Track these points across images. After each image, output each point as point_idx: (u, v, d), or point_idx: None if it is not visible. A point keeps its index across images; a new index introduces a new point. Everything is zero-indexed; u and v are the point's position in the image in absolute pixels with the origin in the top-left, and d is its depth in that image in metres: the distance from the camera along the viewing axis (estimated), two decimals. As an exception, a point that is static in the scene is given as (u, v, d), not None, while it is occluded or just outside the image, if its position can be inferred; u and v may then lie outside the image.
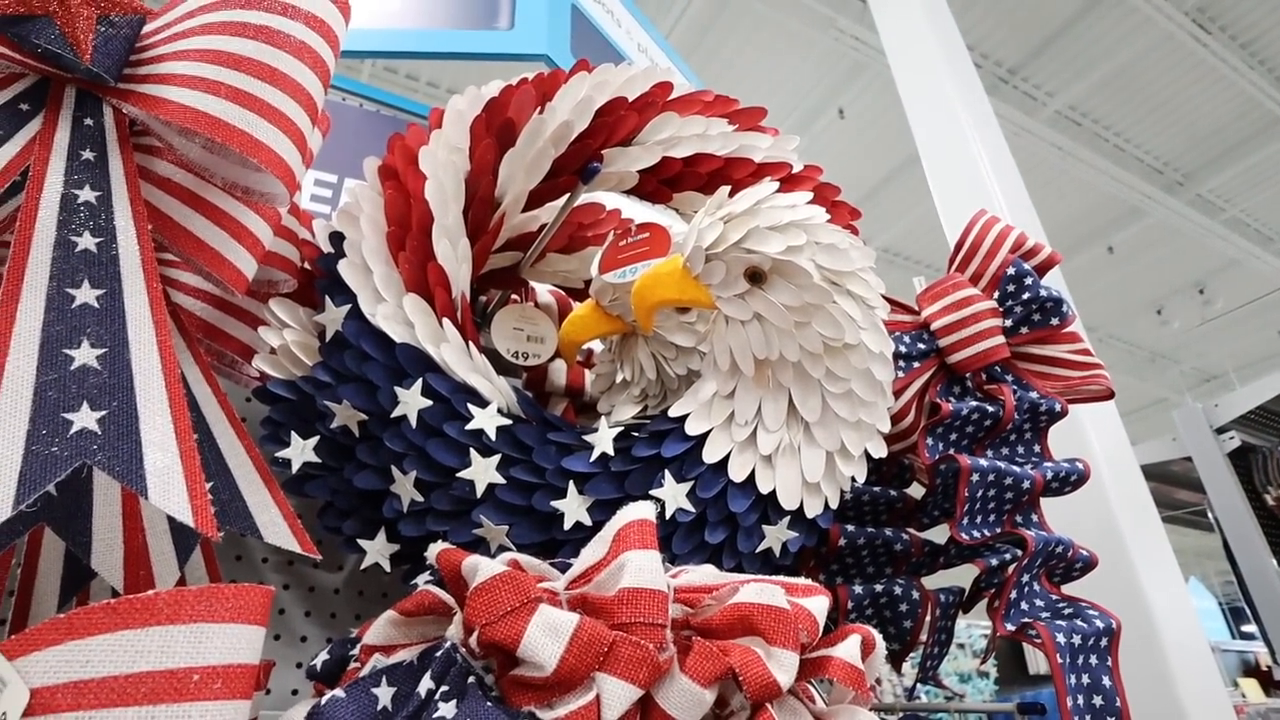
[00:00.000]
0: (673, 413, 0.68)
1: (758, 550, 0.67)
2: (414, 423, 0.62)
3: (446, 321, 0.67)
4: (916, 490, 0.92)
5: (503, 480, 0.62)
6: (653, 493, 0.63)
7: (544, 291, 0.99)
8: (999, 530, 0.80)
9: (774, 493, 0.66)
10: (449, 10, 1.52)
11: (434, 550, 0.49)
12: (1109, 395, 0.93)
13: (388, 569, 0.67)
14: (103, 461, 0.40)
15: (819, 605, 0.47)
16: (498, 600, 0.42)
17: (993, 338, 0.88)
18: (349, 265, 0.68)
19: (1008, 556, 0.86)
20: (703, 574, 0.51)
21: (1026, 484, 0.80)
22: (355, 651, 0.48)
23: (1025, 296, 0.89)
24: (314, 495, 0.69)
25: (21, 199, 0.47)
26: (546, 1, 1.55)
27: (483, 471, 0.62)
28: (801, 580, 0.50)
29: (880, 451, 0.71)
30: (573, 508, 0.62)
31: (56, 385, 0.41)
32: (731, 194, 0.69)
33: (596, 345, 0.97)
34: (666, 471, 0.65)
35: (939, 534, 0.86)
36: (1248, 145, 5.49)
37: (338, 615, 0.80)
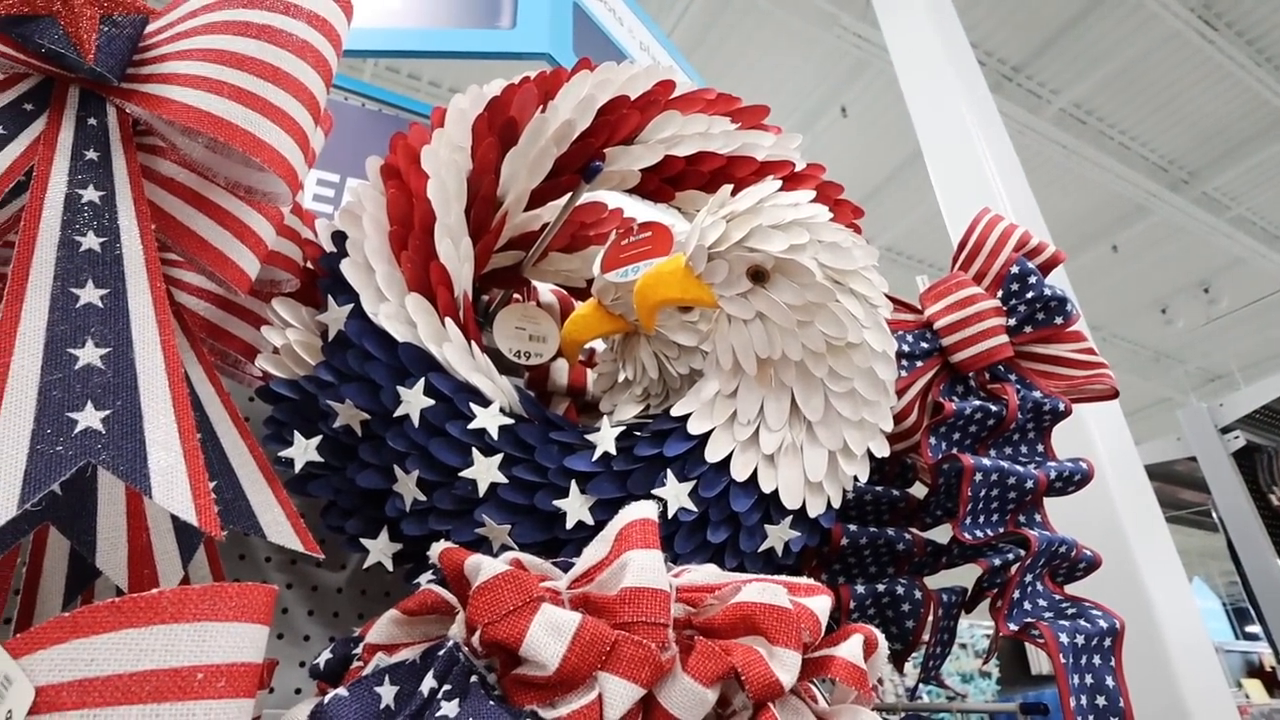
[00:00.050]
0: (675, 412, 0.68)
1: (760, 550, 0.67)
2: (416, 422, 0.63)
3: (449, 321, 0.67)
4: (919, 490, 0.91)
5: (505, 479, 0.62)
6: (655, 492, 0.63)
7: (546, 291, 0.99)
8: (1002, 530, 0.80)
9: (776, 492, 0.66)
10: (451, 9, 1.52)
11: (436, 549, 0.49)
12: (1113, 395, 0.93)
13: (390, 568, 0.67)
14: (107, 461, 0.40)
15: (821, 605, 0.47)
16: (500, 599, 0.42)
17: (996, 337, 0.87)
18: (351, 264, 0.68)
19: (1011, 556, 0.86)
20: (705, 573, 0.51)
21: (1030, 484, 0.80)
22: (358, 650, 0.49)
23: (1029, 295, 0.88)
24: (317, 494, 0.69)
25: (26, 199, 0.47)
26: (548, 0, 1.55)
27: (485, 471, 0.62)
28: (804, 580, 0.50)
29: (883, 451, 0.71)
30: (575, 507, 0.62)
31: (61, 385, 0.42)
32: (734, 193, 0.69)
33: (599, 344, 0.97)
34: (669, 471, 0.65)
35: (942, 534, 0.86)
36: (1254, 143, 5.47)
37: (340, 614, 0.80)
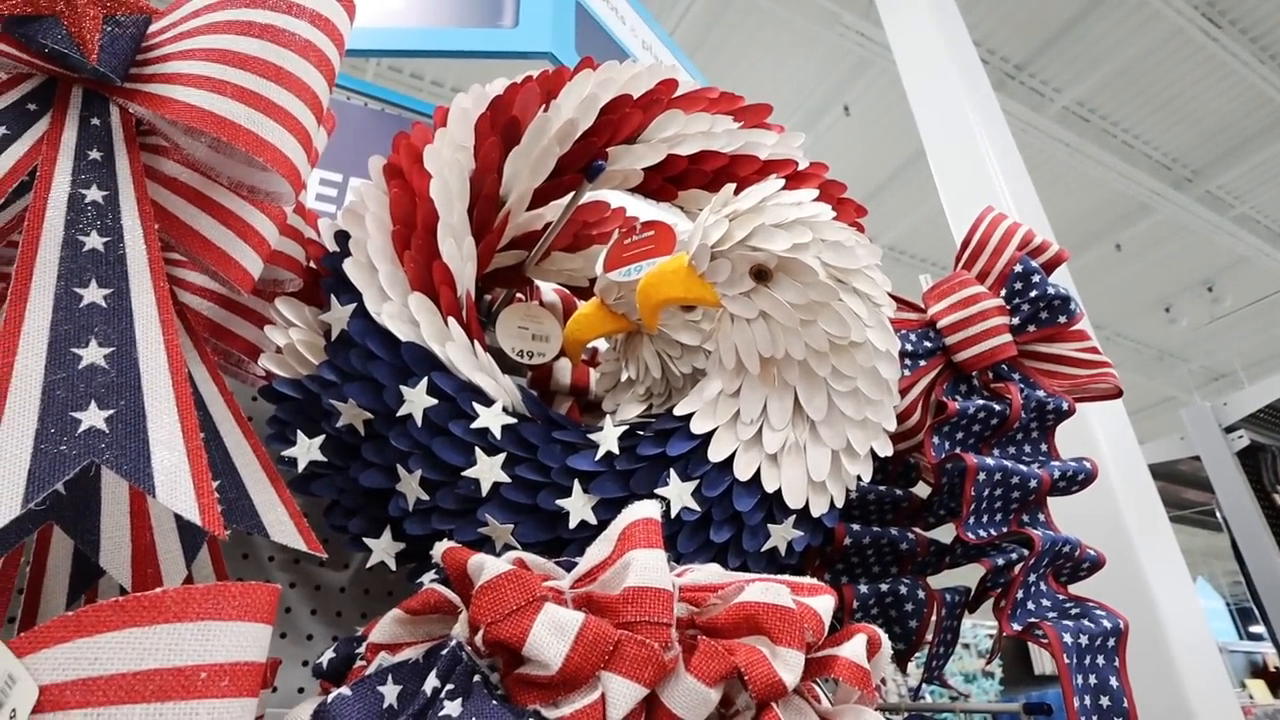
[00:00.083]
0: (678, 411, 0.68)
1: (763, 549, 0.67)
2: (419, 421, 0.63)
3: (452, 320, 0.67)
4: (922, 489, 0.91)
5: (508, 479, 0.62)
6: (658, 491, 0.63)
7: (549, 290, 0.99)
8: (1005, 530, 0.80)
9: (779, 491, 0.66)
10: (453, 9, 1.52)
11: (439, 549, 0.49)
12: (1117, 394, 0.93)
13: (393, 567, 0.67)
14: (110, 460, 0.40)
15: (824, 604, 0.47)
16: (503, 599, 0.42)
17: (999, 336, 0.87)
18: (354, 264, 0.68)
19: (1014, 556, 0.86)
20: (708, 573, 0.51)
21: (1033, 483, 0.80)
22: (361, 650, 0.49)
23: (1032, 294, 0.88)
24: (320, 494, 0.69)
25: (30, 199, 0.47)
26: (551, -1, 1.55)
27: (488, 470, 0.62)
28: (807, 579, 0.50)
29: (886, 450, 0.71)
30: (578, 506, 0.62)
31: (65, 384, 0.42)
32: (737, 191, 0.69)
33: (601, 344, 0.96)
34: (672, 470, 0.64)
35: (945, 533, 0.85)
36: (1258, 141, 5.46)
37: (343, 613, 0.81)
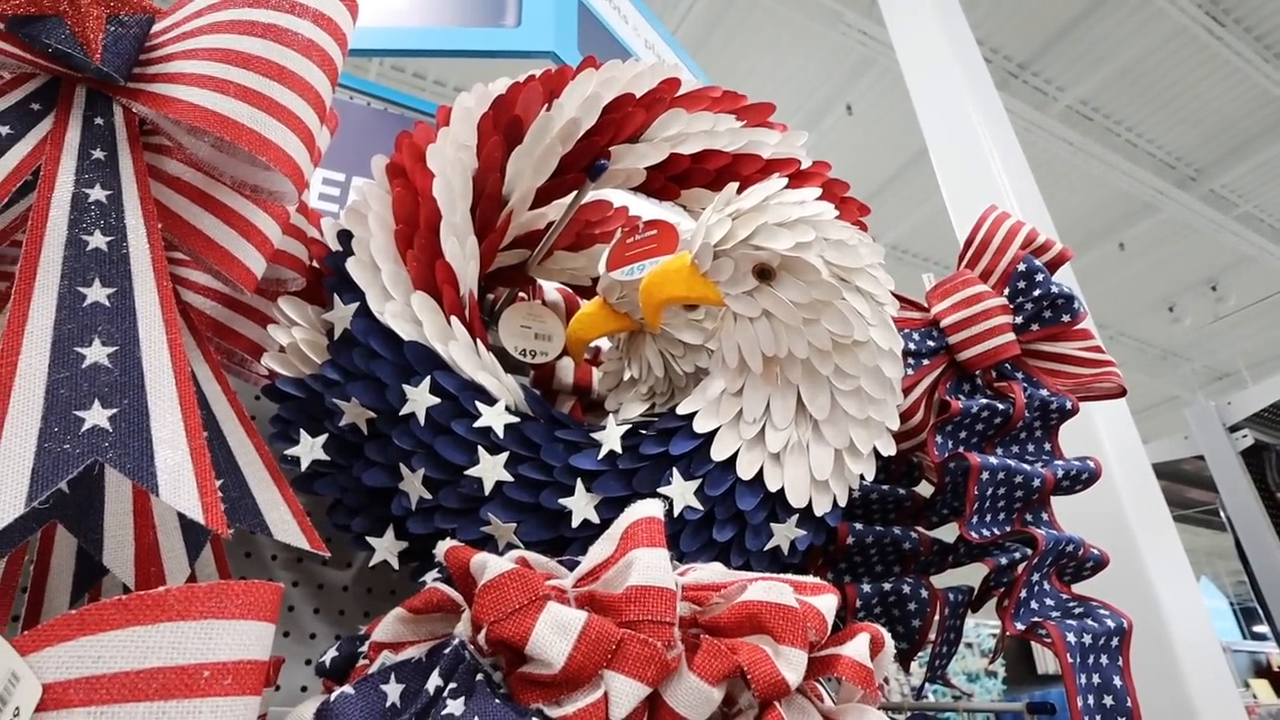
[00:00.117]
0: (681, 410, 0.67)
1: (766, 548, 0.67)
2: (422, 420, 0.63)
3: (454, 319, 0.67)
4: (925, 488, 0.91)
5: (511, 478, 0.62)
6: (660, 490, 0.63)
7: (551, 289, 0.99)
8: (1009, 529, 0.80)
9: (782, 490, 0.66)
10: (456, 8, 1.52)
11: (442, 548, 0.49)
12: (1120, 393, 0.93)
13: (396, 566, 0.67)
14: (114, 459, 0.40)
15: (827, 604, 0.47)
16: (506, 598, 0.42)
17: (1003, 335, 0.87)
18: (357, 263, 0.68)
19: (1017, 555, 0.86)
20: (711, 572, 0.51)
21: (1037, 482, 0.79)
22: (364, 648, 0.49)
23: (1036, 293, 0.88)
24: (323, 493, 0.69)
25: (33, 198, 0.48)
26: (554, -2, 1.55)
27: (491, 469, 0.62)
28: (810, 578, 0.50)
29: (889, 449, 0.71)
30: (580, 505, 0.62)
31: (68, 383, 0.42)
32: (740, 190, 0.69)
33: (604, 343, 0.96)
34: (674, 469, 0.64)
35: (948, 532, 0.85)
36: (1262, 140, 5.44)
37: (346, 612, 0.81)
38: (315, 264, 0.75)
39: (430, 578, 0.53)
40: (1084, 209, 5.89)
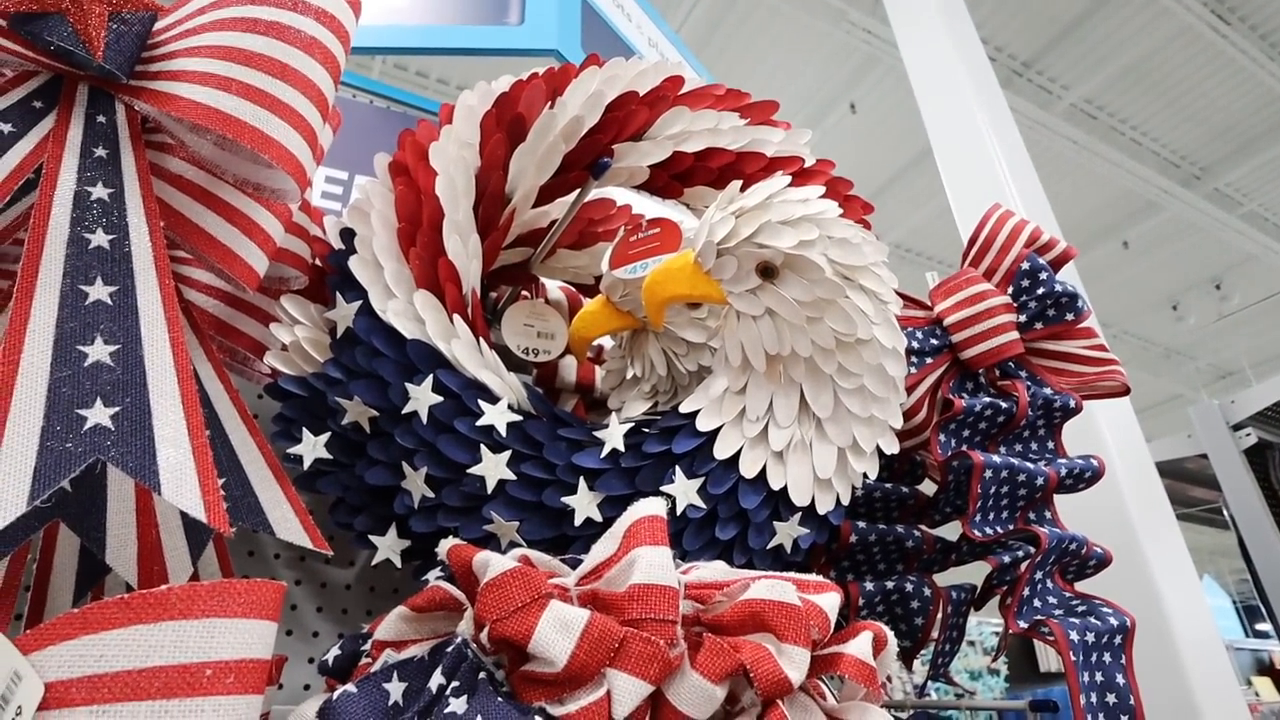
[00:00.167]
0: (684, 409, 0.67)
1: (769, 547, 0.67)
2: (425, 419, 0.63)
3: (457, 318, 0.67)
4: (928, 487, 0.91)
5: (513, 476, 0.62)
6: (663, 489, 0.63)
7: (554, 287, 0.99)
8: (1012, 527, 0.80)
9: (785, 489, 0.66)
10: (459, 6, 1.52)
11: (445, 546, 0.49)
12: (1124, 391, 0.93)
13: (399, 565, 0.67)
14: (116, 457, 0.40)
15: (830, 602, 0.47)
16: (508, 596, 0.42)
17: (1006, 333, 0.87)
18: (360, 261, 0.68)
19: (1020, 553, 0.86)
20: (713, 570, 0.51)
21: (1040, 480, 0.79)
22: (367, 647, 0.49)
23: (1040, 292, 0.88)
24: (325, 491, 0.69)
25: (35, 196, 0.47)
26: (557, -4, 1.55)
27: (493, 467, 0.62)
28: (813, 577, 0.50)
29: (892, 448, 0.71)
30: (583, 504, 0.62)
31: (70, 381, 0.42)
32: (743, 189, 0.69)
33: (607, 341, 0.96)
34: (677, 467, 0.64)
35: (951, 531, 0.85)
36: (1267, 138, 5.42)
37: (349, 611, 0.81)
38: (318, 262, 0.75)
39: (433, 576, 0.53)
40: (1088, 207, 5.88)
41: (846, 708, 0.47)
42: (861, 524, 0.79)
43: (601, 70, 0.77)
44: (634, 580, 0.43)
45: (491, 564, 0.44)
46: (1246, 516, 2.68)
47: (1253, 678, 3.94)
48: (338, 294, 0.68)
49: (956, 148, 2.78)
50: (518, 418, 0.64)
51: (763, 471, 0.65)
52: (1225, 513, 2.80)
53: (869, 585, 0.78)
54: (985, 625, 3.74)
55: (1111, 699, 0.69)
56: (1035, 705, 0.72)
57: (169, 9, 0.57)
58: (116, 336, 0.45)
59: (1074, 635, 0.69)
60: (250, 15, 0.54)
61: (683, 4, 4.52)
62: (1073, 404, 0.86)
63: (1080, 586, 0.83)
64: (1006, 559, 0.85)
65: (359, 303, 0.67)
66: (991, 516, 0.79)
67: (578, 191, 0.82)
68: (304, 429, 0.65)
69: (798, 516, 0.67)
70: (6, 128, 0.49)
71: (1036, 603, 0.77)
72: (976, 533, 0.76)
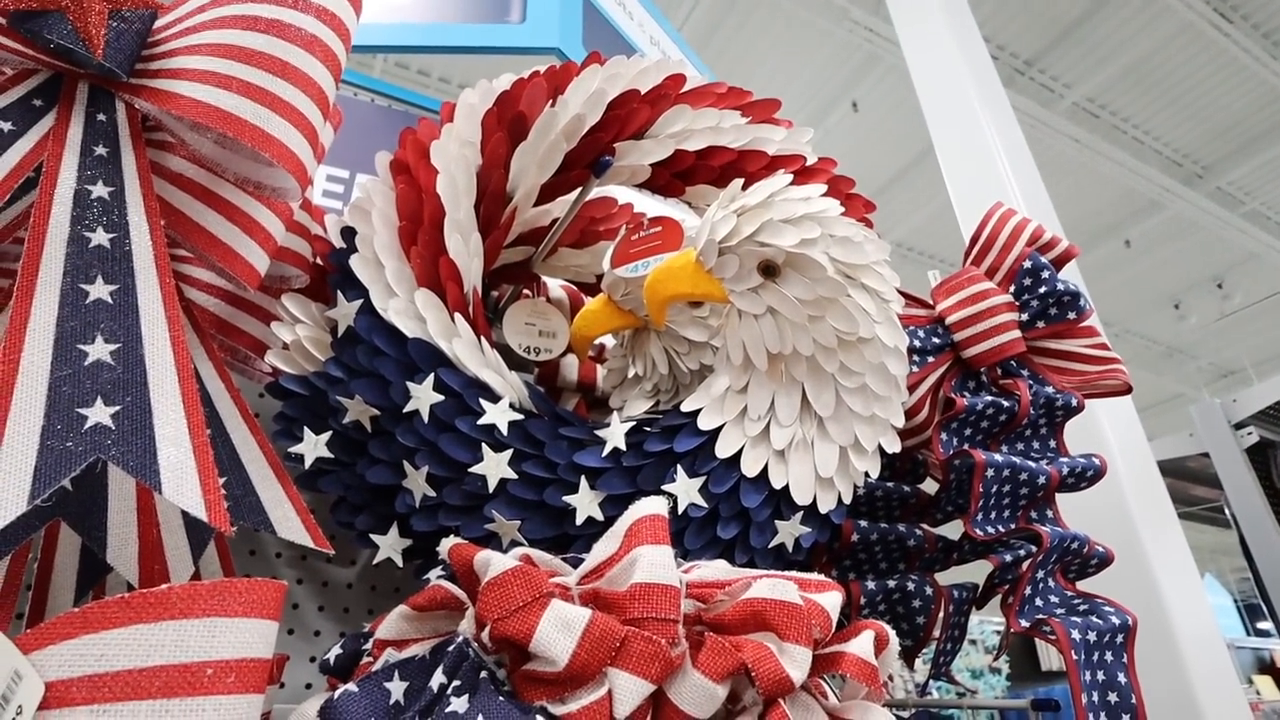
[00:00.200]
0: (685, 407, 0.67)
1: (770, 545, 0.67)
2: (426, 418, 0.63)
3: (458, 316, 0.67)
4: (930, 486, 0.91)
5: (515, 475, 0.62)
6: (665, 488, 0.63)
7: (556, 286, 0.99)
8: (1014, 526, 0.80)
9: (787, 488, 0.65)
10: (460, 4, 1.52)
11: (446, 545, 0.49)
12: (1126, 390, 0.92)
13: (400, 564, 0.67)
14: (117, 456, 0.40)
15: (832, 601, 0.47)
16: (510, 595, 0.42)
17: (1008, 332, 0.87)
18: (361, 260, 0.68)
19: (1022, 552, 0.85)
20: (715, 569, 0.51)
21: (1042, 479, 0.79)
22: (368, 646, 0.49)
23: (1042, 290, 0.88)
24: (327, 490, 0.69)
25: (35, 195, 0.47)
26: (558, -5, 1.54)
27: (495, 466, 0.62)
28: (814, 576, 0.50)
29: (894, 446, 0.71)
30: (585, 503, 0.62)
31: (71, 380, 0.42)
32: (745, 187, 0.69)
33: (609, 340, 0.96)
34: (679, 466, 0.64)
35: (953, 529, 0.85)
36: (1269, 137, 5.42)
37: (350, 610, 0.81)
38: (319, 261, 0.74)
39: (434, 575, 0.53)
40: (1090, 206, 5.87)
41: (848, 707, 0.47)
42: (863, 523, 0.79)
43: (603, 68, 0.77)
44: (635, 579, 0.43)
45: (493, 563, 0.44)
46: (1248, 515, 2.68)
47: (1254, 676, 3.94)
48: (339, 293, 0.68)
49: (958, 146, 2.78)
50: (519, 416, 0.64)
51: (764, 470, 0.65)
52: (1227, 511, 2.80)
53: (870, 584, 0.78)
54: (987, 624, 3.74)
55: (1113, 697, 0.69)
56: (1037, 704, 0.72)
57: (169, 7, 0.57)
58: (117, 335, 0.44)
59: (1075, 634, 0.69)
60: (251, 13, 0.54)
61: (684, 2, 4.52)
62: (1075, 403, 0.86)
63: (1082, 585, 0.83)
64: (1008, 558, 0.85)
65: (360, 301, 0.67)
66: (993, 515, 0.79)
67: (579, 190, 0.82)
68: (305, 428, 0.65)
69: (799, 515, 0.67)
70: (6, 126, 0.49)
71: (1038, 601, 0.77)
72: (978, 531, 0.75)
